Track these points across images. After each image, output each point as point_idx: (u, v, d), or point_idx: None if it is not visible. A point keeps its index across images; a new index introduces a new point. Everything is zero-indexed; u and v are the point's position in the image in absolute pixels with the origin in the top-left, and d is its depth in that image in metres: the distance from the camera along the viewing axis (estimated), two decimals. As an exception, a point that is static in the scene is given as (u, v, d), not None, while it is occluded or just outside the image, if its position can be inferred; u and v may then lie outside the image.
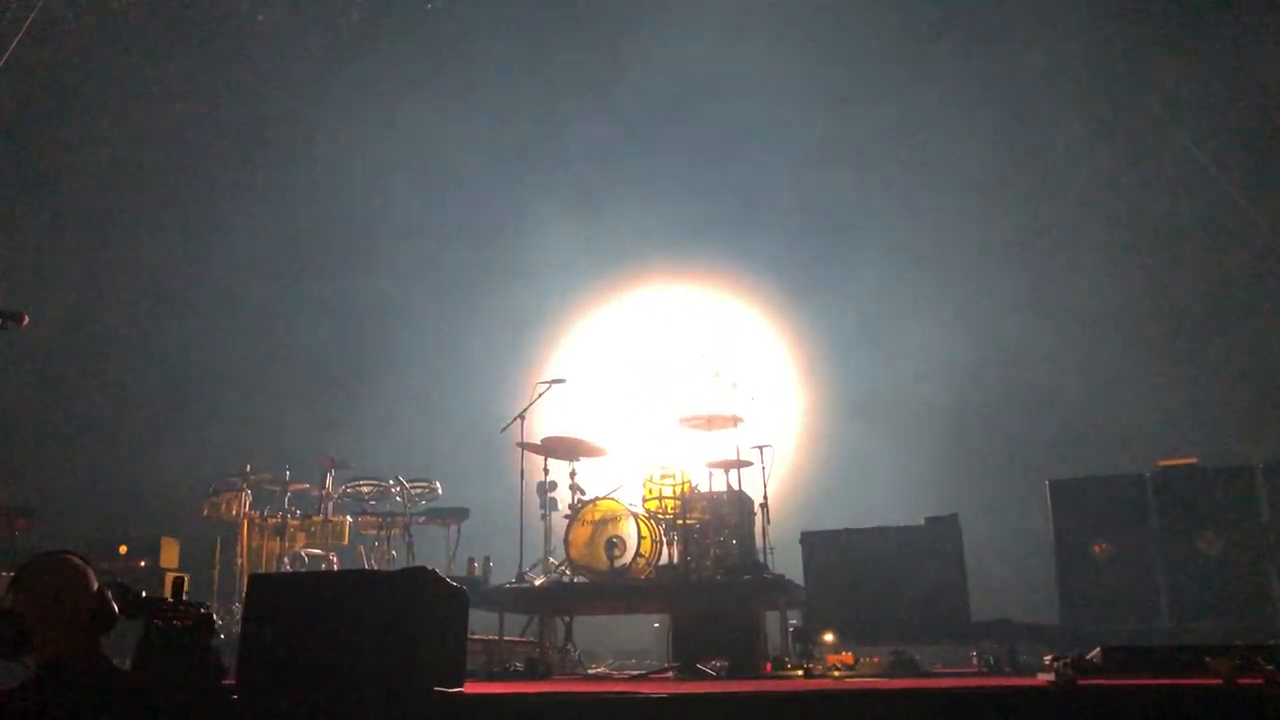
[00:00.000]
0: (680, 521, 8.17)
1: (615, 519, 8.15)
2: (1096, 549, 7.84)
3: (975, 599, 7.59)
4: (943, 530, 7.77)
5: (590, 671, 7.74)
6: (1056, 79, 10.51)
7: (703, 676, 6.07)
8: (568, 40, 11.61)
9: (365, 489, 9.25)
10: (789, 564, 8.05)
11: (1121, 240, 10.44)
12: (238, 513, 9.09)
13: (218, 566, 9.08)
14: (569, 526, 8.22)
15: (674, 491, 8.35)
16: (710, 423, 8.48)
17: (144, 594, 3.49)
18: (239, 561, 9.03)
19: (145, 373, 11.02)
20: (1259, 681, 3.54)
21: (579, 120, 11.62)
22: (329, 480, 9.23)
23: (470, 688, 4.05)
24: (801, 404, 11.48)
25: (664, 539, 8.22)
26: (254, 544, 9.08)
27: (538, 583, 8.19)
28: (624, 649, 9.46)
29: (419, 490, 9.16)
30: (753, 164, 11.44)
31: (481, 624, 8.13)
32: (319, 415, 10.73)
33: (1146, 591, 7.69)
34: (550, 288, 11.74)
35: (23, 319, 5.24)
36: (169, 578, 3.80)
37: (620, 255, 11.60)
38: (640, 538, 8.00)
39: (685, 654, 6.51)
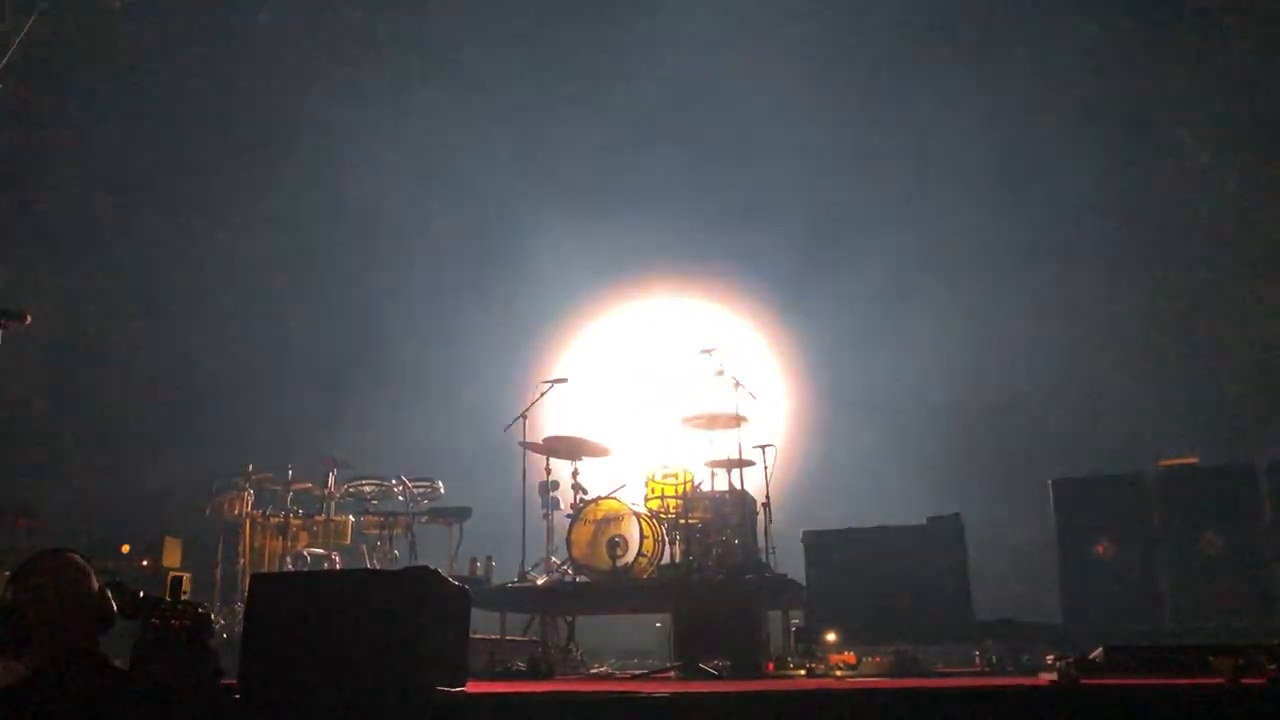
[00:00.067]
0: (682, 521, 8.17)
1: (617, 518, 8.15)
2: (1099, 549, 7.83)
3: (978, 598, 7.58)
4: (945, 530, 7.77)
5: (592, 671, 7.74)
6: (1058, 79, 10.49)
7: (705, 676, 6.07)
8: (571, 41, 11.60)
9: (367, 488, 9.25)
10: (791, 563, 8.05)
11: (1123, 239, 10.43)
12: (240, 512, 9.10)
13: (220, 566, 9.08)
14: (571, 526, 8.22)
15: (676, 491, 8.36)
16: (712, 422, 8.48)
17: (142, 594, 3.49)
18: (241, 561, 9.03)
19: (148, 372, 11.02)
20: (1262, 681, 3.54)
21: (582, 120, 11.61)
22: (331, 480, 9.23)
23: (472, 687, 4.05)
24: (803, 403, 11.48)
25: (666, 538, 8.23)
26: (256, 543, 9.09)
27: (540, 582, 8.20)
28: (626, 648, 9.47)
29: (421, 489, 9.16)
30: (756, 164, 11.42)
31: (483, 623, 8.14)
32: (321, 415, 10.73)
33: (1149, 591, 7.69)
34: (553, 287, 11.73)
35: (25, 318, 5.25)
36: (171, 577, 3.80)
37: (623, 255, 11.59)
38: (642, 537, 8.01)
39: (687, 653, 6.51)
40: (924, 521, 7.89)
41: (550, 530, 8.59)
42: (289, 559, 8.97)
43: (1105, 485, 8.02)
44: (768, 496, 8.20)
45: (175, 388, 11.07)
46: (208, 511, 9.17)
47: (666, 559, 8.18)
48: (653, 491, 8.44)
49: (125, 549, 8.68)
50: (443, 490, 9.24)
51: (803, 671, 6.33)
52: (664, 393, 10.36)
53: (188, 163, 11.30)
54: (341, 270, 11.70)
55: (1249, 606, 7.31)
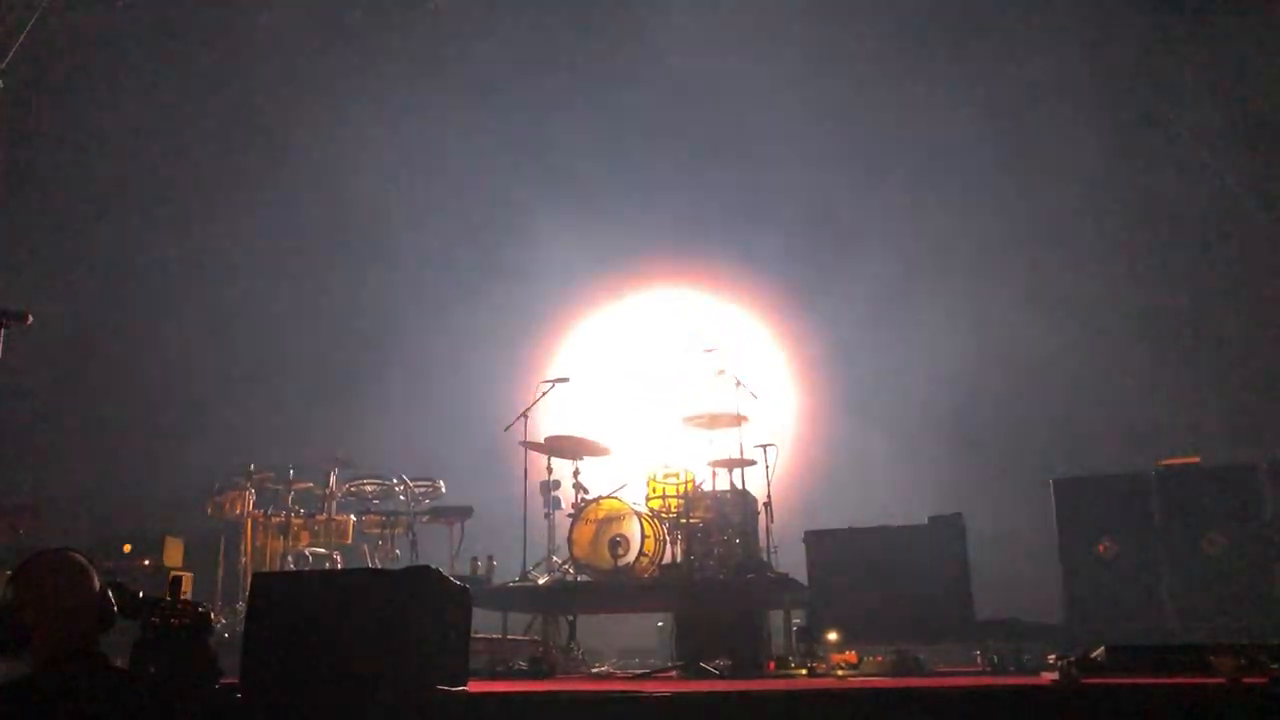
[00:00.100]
0: (684, 520, 8.18)
1: (619, 518, 8.16)
2: (1100, 548, 7.83)
3: (979, 598, 7.59)
4: (946, 529, 7.77)
5: (594, 670, 7.74)
6: (1058, 77, 10.49)
7: (706, 675, 6.07)
8: (571, 40, 11.60)
9: (369, 488, 9.25)
10: (792, 563, 8.06)
11: (1125, 238, 10.42)
12: (241, 512, 9.10)
13: (222, 566, 9.09)
14: (572, 525, 8.22)
15: (677, 490, 8.36)
16: (713, 421, 8.49)
17: (140, 594, 3.49)
18: (243, 560, 9.04)
19: (149, 372, 11.02)
20: (1263, 680, 3.53)
21: (582, 120, 11.62)
22: (332, 479, 9.24)
23: (474, 686, 4.05)
24: (805, 403, 11.48)
25: (667, 538, 8.23)
26: (258, 543, 9.10)
27: (541, 582, 8.20)
28: (627, 648, 9.47)
29: (422, 489, 9.16)
30: (758, 163, 11.43)
31: (485, 623, 8.14)
32: (322, 414, 10.73)
33: (1150, 590, 7.68)
34: (554, 286, 11.74)
35: (27, 318, 5.25)
36: (170, 577, 3.81)
37: (623, 254, 11.60)
38: (644, 537, 8.01)
39: (689, 653, 6.51)
40: (925, 521, 7.90)
41: (552, 530, 8.60)
42: (290, 558, 8.98)
43: (1107, 484, 8.01)
44: (769, 496, 8.21)
45: (177, 387, 11.08)
46: (209, 511, 9.18)
47: (668, 558, 8.18)
48: (654, 491, 8.45)
49: (127, 548, 8.68)
50: (444, 490, 9.25)
51: (804, 671, 6.33)
52: (665, 392, 10.36)
53: (189, 162, 11.30)
54: (343, 269, 11.71)
55: (1250, 606, 7.30)
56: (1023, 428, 10.05)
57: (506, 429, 8.92)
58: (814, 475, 10.44)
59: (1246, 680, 3.56)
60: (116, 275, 11.01)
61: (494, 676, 6.48)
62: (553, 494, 8.74)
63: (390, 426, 10.54)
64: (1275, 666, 3.62)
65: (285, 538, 9.01)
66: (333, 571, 8.25)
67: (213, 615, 3.66)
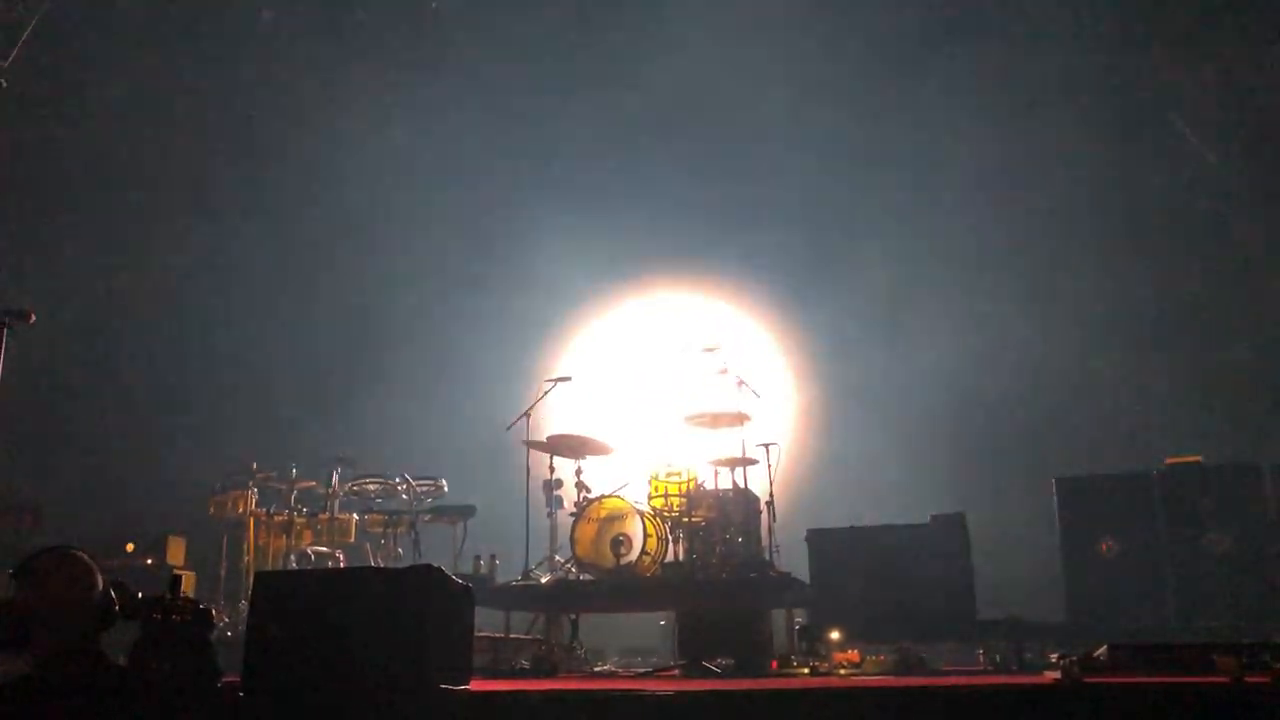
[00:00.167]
0: (686, 519, 8.18)
1: (621, 517, 8.16)
2: (1103, 547, 7.82)
3: (981, 597, 7.59)
4: (949, 528, 7.78)
5: (596, 669, 7.75)
6: (1060, 78, 10.48)
7: (708, 674, 6.07)
8: (573, 41, 11.61)
9: (371, 487, 9.25)
10: (795, 562, 8.05)
11: (1128, 237, 10.41)
12: (244, 511, 9.11)
13: (224, 565, 9.09)
14: (575, 524, 8.22)
15: (680, 489, 8.36)
16: (716, 420, 8.49)
17: (139, 594, 3.50)
18: (245, 559, 9.04)
19: (152, 371, 11.03)
20: (1266, 679, 3.53)
21: (584, 119, 11.62)
22: (335, 478, 9.24)
23: (476, 685, 4.05)
24: (807, 402, 11.47)
25: (670, 537, 8.23)
26: (260, 542, 9.10)
27: (543, 580, 8.21)
28: (630, 647, 9.46)
29: (425, 488, 9.16)
30: (760, 162, 11.43)
31: (487, 622, 8.15)
32: (325, 413, 10.74)
33: (1153, 589, 7.67)
34: (556, 285, 11.73)
35: (29, 317, 5.27)
36: (171, 575, 3.81)
37: (626, 253, 11.60)
38: (646, 535, 8.00)
39: (691, 652, 6.51)
40: (928, 520, 7.90)
41: (554, 529, 8.61)
42: (293, 557, 8.98)
43: (1109, 483, 8.00)
44: (771, 495, 8.21)
45: (180, 386, 11.09)
46: (212, 510, 9.18)
47: (670, 557, 8.18)
48: (656, 490, 8.45)
49: (129, 547, 8.69)
50: (446, 489, 9.25)
51: (806, 670, 6.33)
52: (667, 391, 10.35)
53: (191, 162, 11.30)
54: (345, 269, 11.70)
55: (1253, 604, 7.30)
56: (1025, 427, 10.04)
57: (509, 428, 8.92)
58: (816, 474, 10.43)
59: (1249, 679, 3.55)
60: (121, 273, 11.01)
61: (496, 675, 6.49)
62: (555, 493, 8.75)
63: (393, 425, 10.54)
64: (1278, 665, 3.61)
65: (288, 537, 9.02)
66: (335, 570, 8.25)
67: (215, 613, 3.66)
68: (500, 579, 8.70)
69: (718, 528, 8.13)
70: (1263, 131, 9.88)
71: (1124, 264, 10.32)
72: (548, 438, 8.80)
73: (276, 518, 9.10)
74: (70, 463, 10.27)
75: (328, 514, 9.23)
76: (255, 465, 9.12)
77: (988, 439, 10.04)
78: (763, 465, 8.29)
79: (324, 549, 9.11)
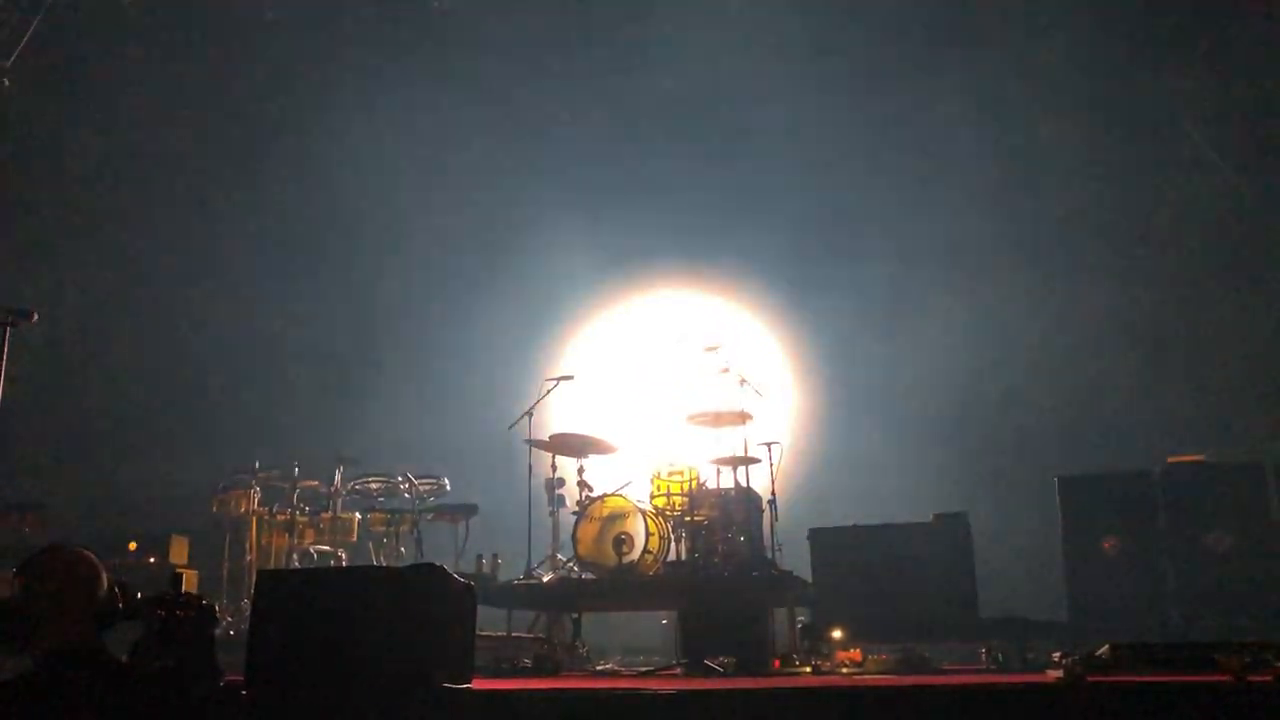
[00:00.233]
0: (688, 518, 8.18)
1: (623, 516, 8.15)
2: (1105, 546, 7.82)
3: (984, 596, 7.59)
4: (951, 527, 7.78)
5: (598, 668, 7.75)
6: (1062, 77, 10.46)
7: (710, 673, 6.07)
8: (575, 40, 11.59)
9: (374, 485, 9.25)
10: (797, 561, 8.05)
11: (1130, 236, 10.41)
12: (247, 510, 9.11)
13: (227, 564, 9.10)
14: (577, 523, 8.22)
15: (682, 488, 8.36)
16: (718, 419, 8.48)
17: (139, 594, 3.50)
18: (248, 558, 9.04)
19: (154, 370, 11.03)
20: (1268, 678, 3.53)
21: (587, 118, 11.62)
22: (337, 477, 9.24)
23: (478, 684, 4.06)
24: (809, 400, 11.47)
25: (672, 536, 8.23)
26: (263, 541, 9.10)
27: (546, 579, 8.21)
28: (632, 645, 9.46)
29: (427, 487, 9.16)
30: (762, 161, 11.42)
31: (489, 621, 8.14)
32: (327, 412, 10.75)
33: (1155, 588, 7.68)
34: (558, 284, 11.73)
35: (32, 316, 5.28)
36: (172, 573, 3.81)
37: (628, 252, 11.60)
38: (648, 534, 8.00)
39: (693, 650, 6.51)
40: (930, 519, 7.90)
41: (556, 527, 8.60)
42: (295, 556, 8.98)
43: (1112, 482, 8.00)
44: (773, 494, 8.20)
45: (182, 385, 11.09)
46: (214, 509, 9.18)
47: (672, 556, 8.19)
48: (658, 489, 8.45)
49: (132, 546, 8.69)
50: (449, 487, 9.25)
51: (808, 669, 6.33)
52: (670, 390, 10.35)
53: (193, 160, 11.31)
54: (347, 267, 11.71)
55: (1256, 604, 7.29)
56: (1028, 425, 10.04)
57: (511, 427, 8.92)
58: (818, 473, 10.43)
59: (1252, 678, 3.55)
60: (122, 273, 11.02)
61: (498, 674, 6.50)
62: (557, 492, 8.75)
63: (395, 424, 10.54)
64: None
65: (290, 535, 9.01)
66: (338, 569, 8.26)
67: (217, 610, 3.66)
68: (502, 578, 8.69)
69: (720, 526, 8.13)
70: (1268, 130, 9.87)
71: (1127, 263, 10.32)
72: (550, 437, 8.81)
73: (279, 516, 9.10)
74: (73, 462, 10.28)
75: (330, 513, 9.23)
76: (258, 464, 9.12)
77: (990, 438, 10.04)
78: (765, 464, 8.28)
79: (326, 548, 9.11)
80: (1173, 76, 10.14)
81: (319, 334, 11.39)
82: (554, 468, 8.78)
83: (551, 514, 8.67)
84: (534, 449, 8.78)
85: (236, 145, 11.36)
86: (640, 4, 11.16)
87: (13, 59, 8.99)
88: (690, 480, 8.38)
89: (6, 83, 8.26)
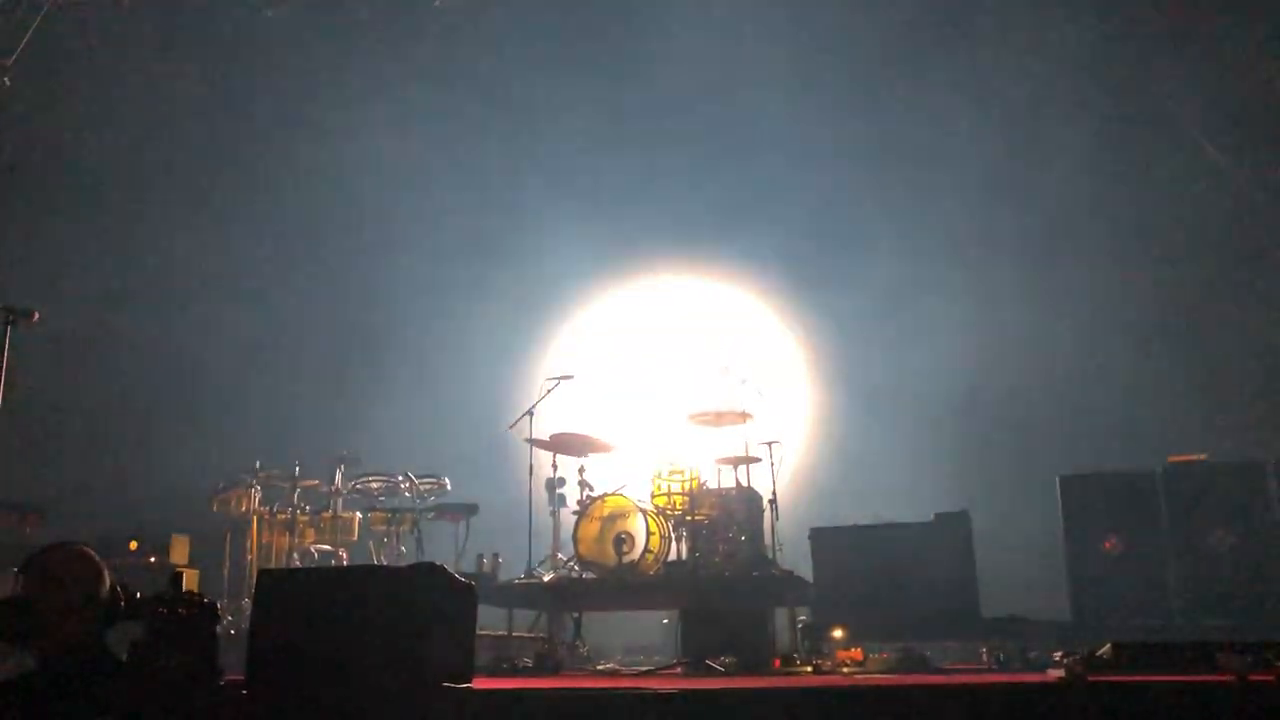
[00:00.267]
0: (689, 518, 8.18)
1: (624, 515, 8.15)
2: (1107, 545, 7.81)
3: (985, 595, 7.58)
4: (953, 526, 7.77)
5: (599, 667, 7.74)
6: (1064, 74, 10.46)
7: (711, 672, 6.06)
8: (577, 38, 11.59)
9: (374, 485, 9.24)
10: (798, 560, 8.05)
11: (1132, 235, 10.40)
12: (247, 509, 9.11)
13: (227, 563, 9.09)
14: (577, 523, 8.22)
15: (683, 488, 8.35)
16: (719, 419, 8.48)
17: (140, 593, 3.50)
18: (249, 558, 9.04)
19: (155, 369, 11.03)
20: (1270, 678, 3.52)
21: (587, 118, 11.62)
22: (338, 476, 9.23)
23: (478, 683, 4.05)
24: (810, 400, 11.47)
25: (672, 535, 8.23)
26: (264, 540, 9.10)
27: (546, 579, 8.20)
28: (633, 645, 9.47)
29: (428, 486, 9.16)
30: (763, 160, 11.43)
31: (490, 620, 8.14)
32: (328, 411, 10.75)
33: (1157, 587, 7.67)
34: (559, 284, 11.74)
35: (33, 315, 5.28)
36: (172, 572, 3.81)
37: (629, 251, 11.60)
38: (649, 534, 8.00)
39: (694, 650, 6.50)
40: (931, 518, 7.89)
41: (557, 527, 8.61)
42: (296, 555, 8.98)
43: (1113, 482, 8.00)
44: (774, 493, 8.20)
45: (183, 384, 11.09)
46: (215, 508, 9.18)
47: (673, 556, 8.19)
48: (659, 488, 8.44)
49: (133, 545, 8.68)
50: (449, 487, 9.24)
51: (809, 668, 6.32)
52: (671, 389, 10.35)
53: (193, 159, 11.31)
54: (348, 266, 11.71)
55: (1257, 603, 7.29)
56: (1029, 425, 10.04)
57: (511, 426, 8.92)
58: (819, 472, 10.44)
59: (1254, 678, 3.54)
60: (124, 272, 11.01)
61: (499, 673, 6.49)
62: (558, 491, 8.75)
63: (396, 424, 10.54)
64: (1282, 664, 3.60)
65: (291, 535, 9.01)
66: (338, 568, 8.26)
67: (219, 609, 3.65)
68: (503, 577, 8.69)
69: (721, 526, 8.13)
70: (1267, 128, 9.86)
71: (1130, 261, 10.31)
72: (550, 436, 8.80)
73: (280, 516, 9.10)
74: (74, 462, 10.28)
75: (331, 512, 9.23)
76: (258, 463, 9.12)
77: (992, 437, 10.04)
78: (766, 463, 8.28)
79: (327, 547, 9.11)
80: (1178, 73, 10.12)
81: (319, 333, 11.39)
82: (555, 467, 8.78)
83: (552, 513, 8.67)
84: (535, 448, 8.78)
85: (237, 145, 11.36)
86: (640, 4, 11.16)
87: (13, 59, 8.98)
88: (691, 480, 8.37)
89: (7, 82, 8.25)
